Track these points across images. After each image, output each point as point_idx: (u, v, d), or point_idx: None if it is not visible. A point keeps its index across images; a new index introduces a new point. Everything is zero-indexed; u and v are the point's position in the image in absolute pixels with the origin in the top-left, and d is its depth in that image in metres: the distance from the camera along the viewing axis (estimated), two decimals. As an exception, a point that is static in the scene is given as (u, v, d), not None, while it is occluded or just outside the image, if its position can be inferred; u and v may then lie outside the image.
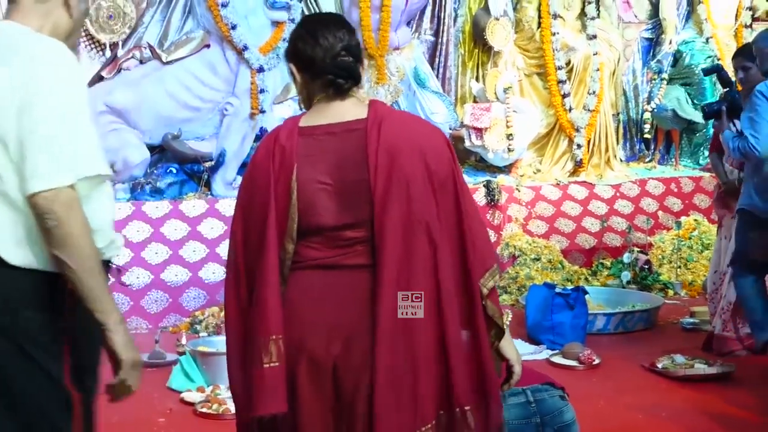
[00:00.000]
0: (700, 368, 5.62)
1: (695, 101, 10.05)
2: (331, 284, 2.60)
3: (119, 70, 8.08)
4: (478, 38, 9.48)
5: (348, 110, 2.66)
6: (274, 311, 2.55)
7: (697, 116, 9.99)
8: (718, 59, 10.09)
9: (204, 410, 4.97)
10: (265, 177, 2.61)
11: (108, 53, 8.18)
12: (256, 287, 2.60)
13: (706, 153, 10.05)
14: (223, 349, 5.43)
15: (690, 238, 8.73)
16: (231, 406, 4.21)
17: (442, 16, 9.46)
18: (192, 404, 5.09)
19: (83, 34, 8.07)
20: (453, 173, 2.66)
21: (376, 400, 2.49)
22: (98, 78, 8.12)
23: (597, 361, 5.90)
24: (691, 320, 6.94)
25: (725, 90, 6.03)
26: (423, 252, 2.56)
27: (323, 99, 2.69)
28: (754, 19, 10.47)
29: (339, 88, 2.66)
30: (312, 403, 2.56)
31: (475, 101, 9.34)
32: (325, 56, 2.66)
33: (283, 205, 2.58)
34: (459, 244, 2.64)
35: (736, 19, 10.42)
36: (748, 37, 10.30)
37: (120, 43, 8.18)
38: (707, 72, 6.14)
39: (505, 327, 2.77)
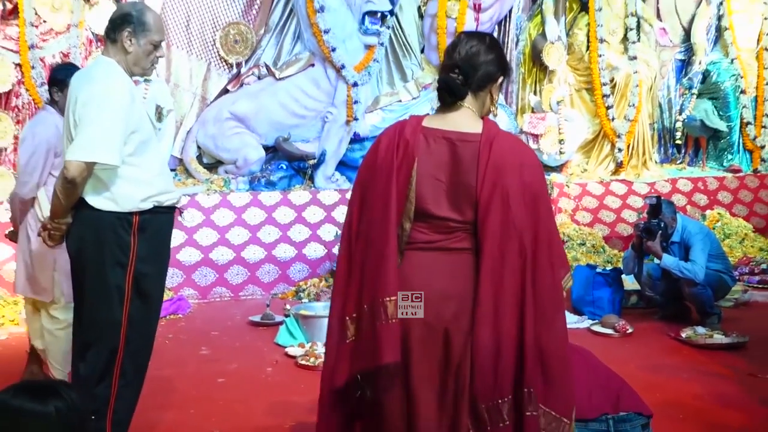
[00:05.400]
0: (718, 338, 5.50)
1: (720, 113, 9.89)
2: (441, 261, 2.54)
3: (241, 85, 8.23)
4: (536, 59, 9.42)
5: (463, 122, 2.58)
6: (392, 277, 2.48)
7: (722, 125, 9.85)
8: (741, 77, 9.89)
9: (303, 362, 5.03)
10: (389, 163, 2.54)
11: (233, 71, 8.33)
12: (373, 256, 2.52)
13: (730, 157, 9.93)
14: (320, 313, 5.56)
15: (714, 229, 8.54)
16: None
17: (506, 41, 9.36)
18: (294, 357, 5.16)
19: (216, 56, 8.26)
20: (543, 190, 2.61)
21: (475, 371, 2.45)
22: (224, 91, 8.29)
23: (630, 330, 5.81)
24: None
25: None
26: (514, 254, 2.49)
27: (442, 107, 2.63)
28: (774, 43, 10.16)
29: (442, 100, 2.61)
30: (423, 361, 2.50)
31: (532, 112, 9.26)
32: (444, 68, 2.61)
33: (403, 190, 2.52)
34: (547, 248, 2.55)
35: (758, 43, 10.11)
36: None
37: (243, 63, 8.34)
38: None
39: None
